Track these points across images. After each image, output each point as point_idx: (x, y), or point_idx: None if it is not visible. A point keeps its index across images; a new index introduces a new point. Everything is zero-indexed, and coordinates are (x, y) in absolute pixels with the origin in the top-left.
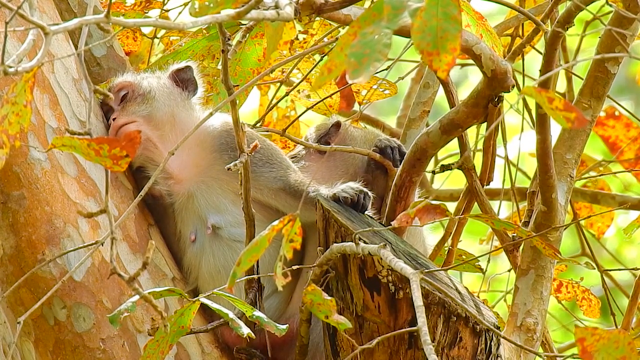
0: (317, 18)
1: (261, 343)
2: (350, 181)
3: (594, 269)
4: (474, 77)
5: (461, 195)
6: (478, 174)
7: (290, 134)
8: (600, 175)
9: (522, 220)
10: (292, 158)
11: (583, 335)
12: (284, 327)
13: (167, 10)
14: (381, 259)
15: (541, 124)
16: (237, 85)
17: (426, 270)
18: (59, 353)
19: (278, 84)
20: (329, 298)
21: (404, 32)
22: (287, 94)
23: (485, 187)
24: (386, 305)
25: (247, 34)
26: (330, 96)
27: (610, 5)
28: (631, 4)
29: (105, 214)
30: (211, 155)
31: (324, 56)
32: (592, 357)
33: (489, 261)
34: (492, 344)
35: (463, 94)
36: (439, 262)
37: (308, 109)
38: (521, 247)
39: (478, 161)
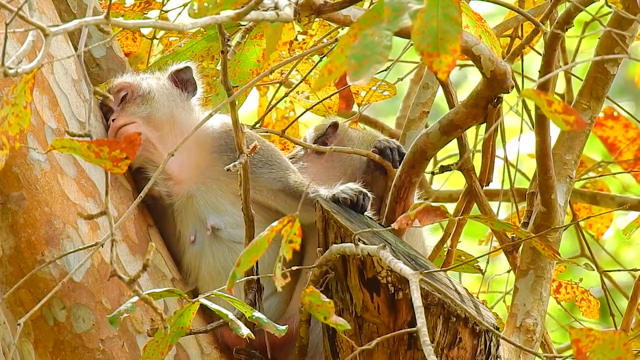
0: (317, 19)
1: (261, 344)
2: (349, 182)
3: (593, 270)
4: (473, 77)
5: (460, 196)
6: (477, 175)
7: (290, 135)
8: (599, 176)
9: (522, 221)
10: (290, 159)
11: (578, 336)
12: (284, 327)
13: (167, 11)
14: (380, 259)
15: (540, 125)
16: (237, 86)
17: (425, 271)
18: (58, 354)
19: (277, 85)
20: (327, 300)
21: (404, 33)
22: (286, 95)
23: (484, 188)
24: (386, 306)
25: (247, 35)
26: (329, 97)
27: (610, 7)
28: (630, 5)
29: (105, 216)
30: (211, 156)
31: (323, 57)
32: (587, 358)
33: (488, 262)
34: (492, 344)
35: (462, 94)
36: (439, 263)
37: (307, 110)
38: (520, 248)
39: (477, 162)
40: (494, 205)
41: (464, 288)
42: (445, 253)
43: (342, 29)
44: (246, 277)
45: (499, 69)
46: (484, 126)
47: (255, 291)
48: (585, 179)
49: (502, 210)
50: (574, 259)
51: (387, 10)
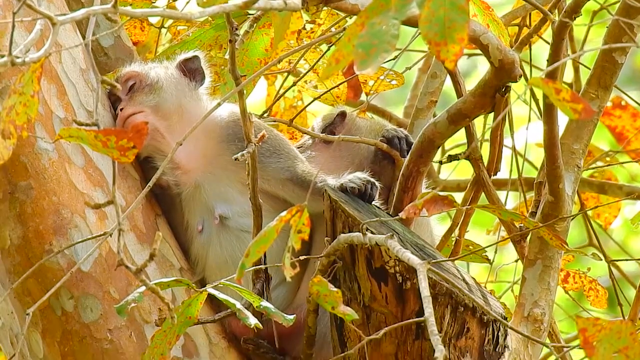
0: (325, 8)
1: (268, 333)
2: (357, 171)
3: (601, 259)
4: (483, 67)
5: (468, 186)
6: (485, 164)
7: (298, 124)
8: (607, 166)
9: (529, 211)
10: (297, 148)
11: (585, 325)
12: (292, 317)
13: (174, 0)
14: (388, 249)
15: (548, 114)
16: (245, 75)
17: (433, 261)
18: (66, 344)
19: (285, 74)
20: (335, 289)
21: (411, 22)
22: (294, 84)
23: (492, 177)
24: (393, 296)
25: (255, 24)
26: (337, 86)
27: None
28: None
29: (112, 205)
30: (219, 146)
31: (331, 46)
32: (594, 348)
33: (496, 252)
34: (500, 334)
35: (472, 84)
36: (446, 253)
37: (315, 99)
38: (528, 238)
39: (485, 151)
40: (501, 194)
41: (472, 278)
42: (453, 243)
43: (350, 18)
44: (254, 267)
45: (507, 57)
46: (491, 115)
47: (263, 281)
48: (593, 168)
49: (510, 200)
50: (581, 248)
51: None
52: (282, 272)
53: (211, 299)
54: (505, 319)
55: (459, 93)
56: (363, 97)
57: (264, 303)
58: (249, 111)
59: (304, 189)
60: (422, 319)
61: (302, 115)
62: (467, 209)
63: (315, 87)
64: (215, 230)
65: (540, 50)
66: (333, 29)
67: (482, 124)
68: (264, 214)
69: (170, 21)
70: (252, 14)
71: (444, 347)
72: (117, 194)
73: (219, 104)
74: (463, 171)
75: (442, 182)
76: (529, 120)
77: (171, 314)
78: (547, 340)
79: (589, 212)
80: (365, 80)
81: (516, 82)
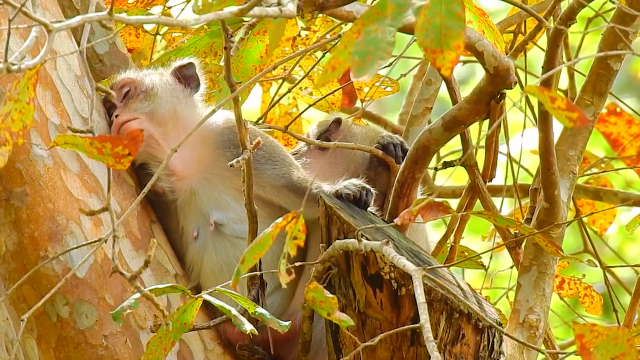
0: (320, 15)
1: (264, 340)
2: (352, 178)
3: (596, 266)
4: (481, 74)
5: (463, 192)
6: (480, 170)
7: (293, 131)
8: (602, 172)
9: (525, 217)
10: (293, 155)
11: (582, 332)
12: (287, 323)
13: (170, 7)
14: (383, 255)
15: (543, 121)
16: (240, 82)
17: (428, 267)
18: (61, 350)
19: (280, 81)
20: (331, 295)
21: (407, 29)
22: (289, 91)
23: (487, 184)
24: (389, 302)
25: (250, 31)
26: (332, 93)
27: (613, 2)
28: (634, 1)
29: (107, 211)
30: (214, 152)
31: (325, 53)
32: (591, 354)
33: (491, 258)
34: (495, 340)
35: (470, 91)
36: (442, 259)
37: (310, 105)
38: (523, 244)
39: (480, 158)
40: (497, 201)
41: (467, 284)
42: (448, 249)
43: (345, 25)
44: (249, 273)
45: (502, 64)
46: (487, 122)
47: (258, 287)
48: (588, 174)
49: (505, 206)
50: (577, 255)
51: (390, 6)
52: (277, 278)
53: (206, 305)
54: (501, 325)
55: (454, 100)
56: (358, 103)
57: (259, 309)
58: (244, 118)
59: (300, 195)
60: (417, 325)
61: (297, 122)
62: (463, 216)
63: (311, 94)
64: (211, 236)
65: (536, 57)
66: (328, 36)
67: (477, 131)
68: (259, 220)
69: (166, 28)
70: (247, 21)
71: (439, 353)
72: (112, 200)
73: (213, 111)
74: (458, 178)
75: (438, 189)
76: (524, 126)
77: (165, 320)
78: (543, 347)
79: (584, 219)
80: (361, 87)
81: (511, 88)
